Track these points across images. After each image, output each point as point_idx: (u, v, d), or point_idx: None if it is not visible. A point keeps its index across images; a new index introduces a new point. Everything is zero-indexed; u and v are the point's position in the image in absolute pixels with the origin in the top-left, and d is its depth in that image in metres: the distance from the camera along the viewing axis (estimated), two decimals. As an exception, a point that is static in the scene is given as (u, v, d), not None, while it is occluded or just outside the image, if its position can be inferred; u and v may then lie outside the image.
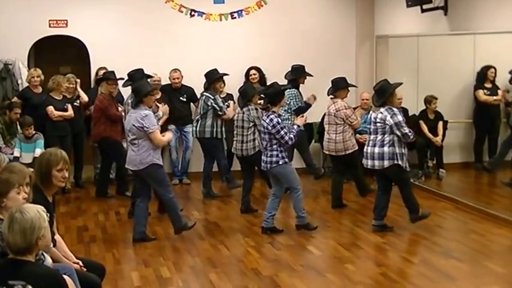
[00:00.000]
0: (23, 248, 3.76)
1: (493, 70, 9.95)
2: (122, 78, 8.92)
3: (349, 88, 8.77)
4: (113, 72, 9.21)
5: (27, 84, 9.86)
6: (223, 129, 9.27)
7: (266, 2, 11.02)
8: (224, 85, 9.77)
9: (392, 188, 7.67)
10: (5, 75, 10.00)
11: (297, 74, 9.32)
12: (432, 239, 7.36)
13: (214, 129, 9.18)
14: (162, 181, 7.35)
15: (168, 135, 7.48)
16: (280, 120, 7.40)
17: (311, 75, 9.39)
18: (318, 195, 9.54)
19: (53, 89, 9.59)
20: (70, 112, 9.64)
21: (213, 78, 9.27)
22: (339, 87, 8.56)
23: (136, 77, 8.30)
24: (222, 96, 9.69)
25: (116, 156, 9.28)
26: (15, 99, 9.62)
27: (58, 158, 4.82)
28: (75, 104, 9.80)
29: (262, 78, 10.53)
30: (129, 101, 7.99)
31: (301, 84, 9.35)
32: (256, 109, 8.41)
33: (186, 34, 10.85)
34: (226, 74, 9.57)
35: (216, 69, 9.40)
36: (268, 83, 10.15)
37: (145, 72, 8.69)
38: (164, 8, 10.73)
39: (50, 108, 9.49)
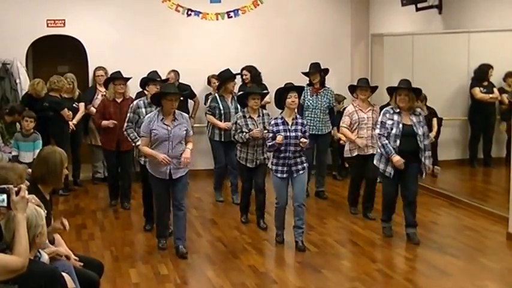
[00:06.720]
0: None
1: (492, 69, 9.98)
2: (126, 79, 8.56)
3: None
4: (119, 72, 8.70)
5: (26, 89, 9.74)
6: (222, 131, 8.91)
7: (262, 1, 11.06)
8: (234, 85, 9.20)
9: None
10: (4, 74, 10.00)
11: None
12: (427, 235, 7.42)
13: (210, 130, 9.12)
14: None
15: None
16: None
17: (318, 72, 9.08)
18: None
19: (59, 90, 9.65)
20: (76, 114, 9.75)
21: (225, 79, 8.93)
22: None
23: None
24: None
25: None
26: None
27: (65, 156, 4.94)
28: (74, 105, 9.81)
29: (257, 77, 10.40)
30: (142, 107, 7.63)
31: (315, 81, 9.09)
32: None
33: (182, 33, 10.89)
34: (238, 74, 9.31)
35: (228, 69, 9.05)
36: (263, 82, 10.24)
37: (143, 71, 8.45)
38: (161, 8, 10.77)
39: (66, 111, 9.51)
